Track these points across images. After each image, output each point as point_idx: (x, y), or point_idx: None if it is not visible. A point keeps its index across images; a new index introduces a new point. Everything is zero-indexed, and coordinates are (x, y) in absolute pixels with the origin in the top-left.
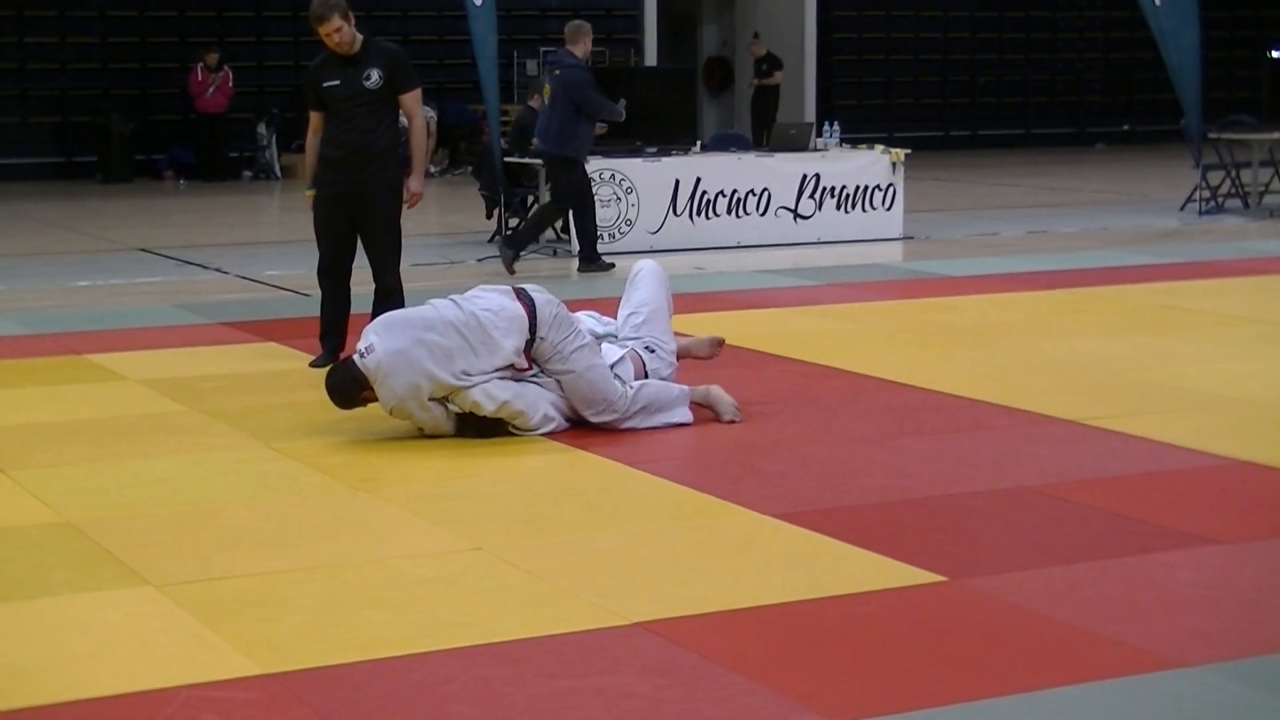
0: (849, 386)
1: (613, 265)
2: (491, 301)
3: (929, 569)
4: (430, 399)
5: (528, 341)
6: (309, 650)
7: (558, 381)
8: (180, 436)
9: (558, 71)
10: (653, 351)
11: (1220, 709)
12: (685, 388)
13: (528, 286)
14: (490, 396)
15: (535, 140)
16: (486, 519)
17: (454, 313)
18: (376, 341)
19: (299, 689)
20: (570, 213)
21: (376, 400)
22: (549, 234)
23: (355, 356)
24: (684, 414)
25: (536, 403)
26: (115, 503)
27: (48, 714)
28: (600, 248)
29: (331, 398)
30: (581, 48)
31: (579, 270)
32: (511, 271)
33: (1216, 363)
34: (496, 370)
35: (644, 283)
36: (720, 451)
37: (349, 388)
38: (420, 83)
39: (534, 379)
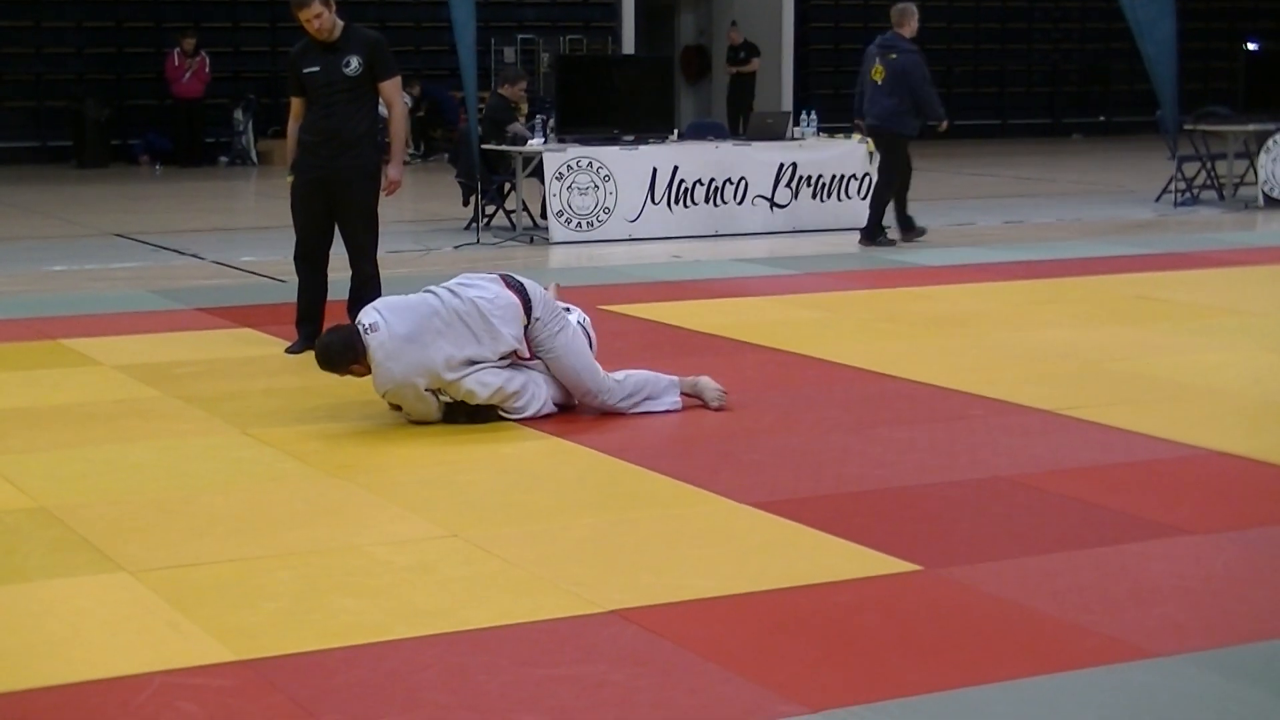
0: (825, 375)
1: (895, 241)
2: (487, 290)
3: (904, 558)
4: (427, 389)
5: (524, 326)
6: (283, 637)
7: (547, 365)
8: (155, 422)
9: (894, 55)
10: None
11: (1193, 699)
12: (675, 377)
13: (510, 273)
14: (483, 384)
15: (865, 118)
16: (463, 506)
17: (455, 301)
18: (382, 321)
19: (273, 676)
20: (876, 184)
21: (362, 374)
22: (525, 221)
23: (359, 328)
24: (674, 401)
25: (527, 385)
26: (90, 488)
27: (21, 699)
28: (577, 236)
29: (320, 358)
30: (909, 29)
31: (860, 244)
32: (922, 232)
33: (1191, 353)
34: (501, 358)
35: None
36: (697, 440)
37: (342, 353)
38: (400, 70)
39: (524, 364)
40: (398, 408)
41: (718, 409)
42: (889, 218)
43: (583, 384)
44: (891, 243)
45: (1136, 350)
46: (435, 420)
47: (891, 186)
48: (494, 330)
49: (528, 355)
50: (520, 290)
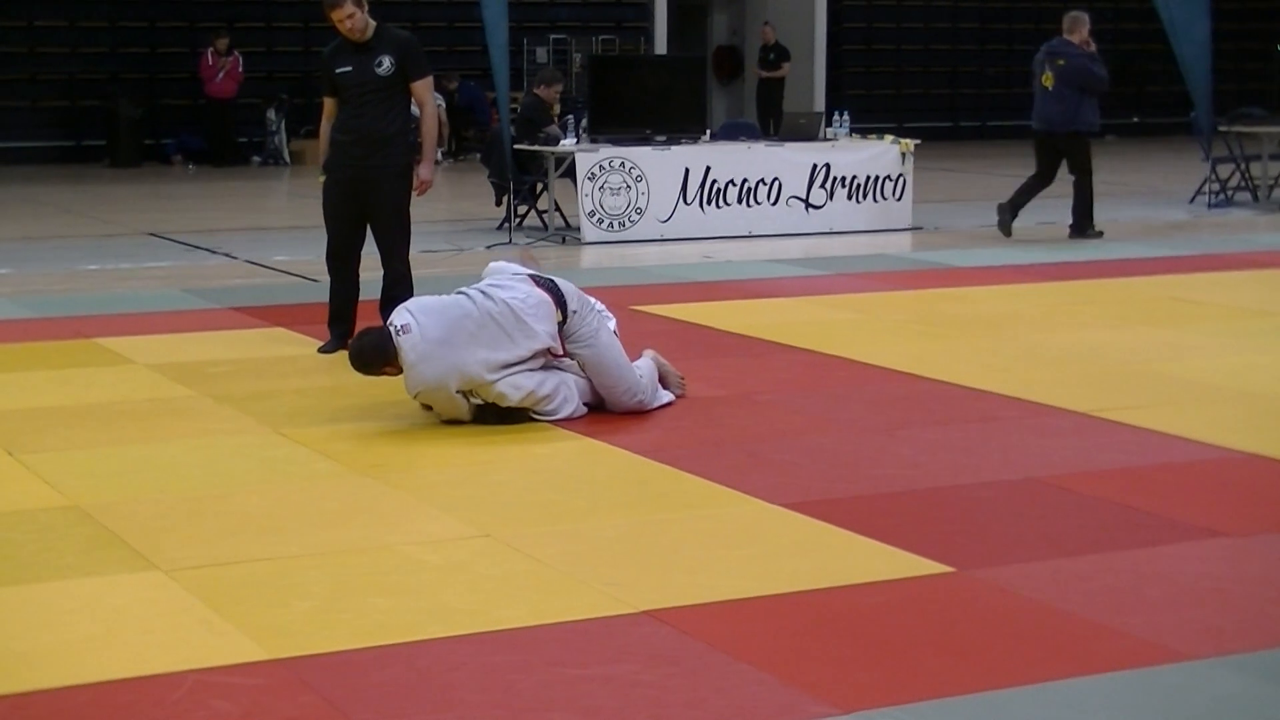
0: (857, 376)
1: (1102, 233)
2: (518, 291)
3: (936, 559)
4: (457, 390)
5: (559, 323)
6: (316, 636)
7: (582, 363)
8: (188, 421)
9: (1061, 61)
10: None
11: (1227, 702)
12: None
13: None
14: (516, 387)
15: (1037, 122)
16: (494, 506)
17: (487, 304)
18: (414, 323)
19: (306, 674)
20: (1076, 183)
21: (394, 375)
22: (558, 221)
23: (390, 330)
24: (666, 394)
25: (559, 388)
26: (123, 487)
27: (56, 697)
28: (609, 236)
29: (353, 359)
30: (1078, 35)
31: (1070, 238)
32: (1008, 234)
33: (1225, 355)
34: (534, 355)
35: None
36: (729, 440)
37: (374, 357)
38: (432, 70)
39: (556, 366)
40: (428, 407)
41: (680, 396)
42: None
43: (624, 381)
44: (1100, 234)
45: (1170, 352)
46: (466, 421)
47: (1089, 179)
48: (528, 328)
49: (561, 352)
50: (551, 287)
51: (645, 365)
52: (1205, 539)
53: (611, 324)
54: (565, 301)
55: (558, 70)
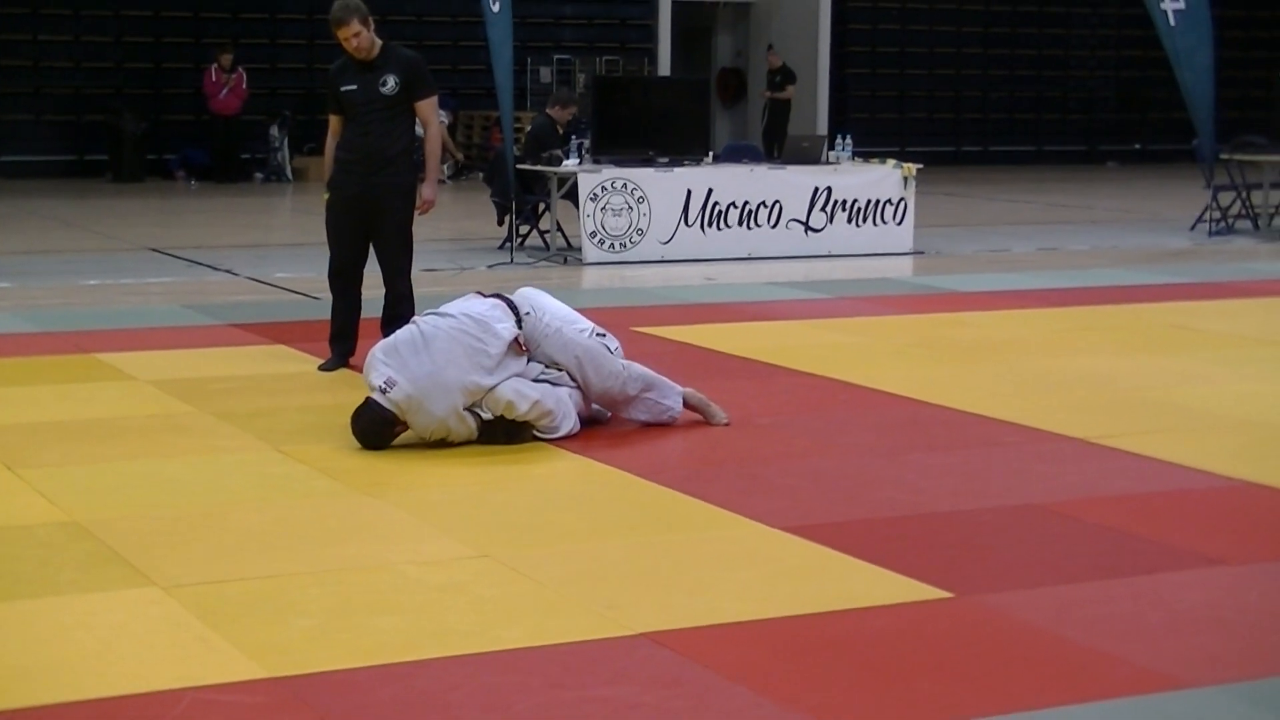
0: (858, 400)
1: None
2: (468, 304)
3: (937, 585)
4: (465, 409)
5: (517, 320)
6: (315, 654)
7: (561, 367)
8: (188, 438)
9: None
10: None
11: None
12: (679, 387)
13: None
14: (522, 395)
15: None
16: (494, 526)
17: (445, 321)
18: (394, 374)
19: (305, 693)
20: None
21: (407, 432)
22: (559, 241)
23: (377, 395)
24: (677, 400)
25: (559, 404)
26: (122, 503)
27: (53, 714)
28: (611, 257)
29: (362, 442)
30: None
31: None
32: None
33: (1226, 383)
34: (507, 349)
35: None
36: (729, 463)
37: (379, 429)
38: (437, 89)
39: (545, 378)
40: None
41: (726, 424)
42: None
43: (604, 368)
44: None
45: (1171, 379)
46: (474, 440)
47: None
48: (490, 329)
49: (524, 348)
50: (497, 295)
51: (637, 365)
52: (1206, 567)
53: (614, 344)
54: (516, 306)
55: (573, 92)
